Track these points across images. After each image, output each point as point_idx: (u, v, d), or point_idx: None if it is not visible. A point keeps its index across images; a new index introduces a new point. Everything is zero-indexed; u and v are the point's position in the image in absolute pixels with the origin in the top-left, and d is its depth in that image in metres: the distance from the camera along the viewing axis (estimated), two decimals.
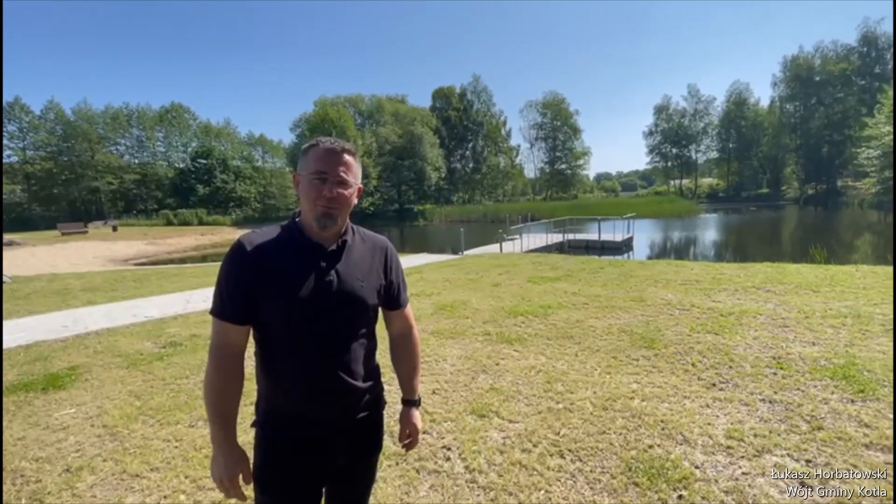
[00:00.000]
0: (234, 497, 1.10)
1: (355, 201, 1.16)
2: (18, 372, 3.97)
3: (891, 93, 33.75)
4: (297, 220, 1.16)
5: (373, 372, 1.23)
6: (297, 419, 1.12)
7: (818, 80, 52.65)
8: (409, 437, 1.36)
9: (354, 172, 1.13)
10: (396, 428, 2.75)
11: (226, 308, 1.07)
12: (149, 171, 52.63)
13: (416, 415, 1.36)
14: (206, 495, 2.12)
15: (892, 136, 31.34)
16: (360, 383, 1.16)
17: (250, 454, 1.16)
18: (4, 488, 2.25)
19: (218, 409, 1.09)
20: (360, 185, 1.18)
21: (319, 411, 1.12)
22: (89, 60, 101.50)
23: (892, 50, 45.42)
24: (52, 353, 4.47)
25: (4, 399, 3.36)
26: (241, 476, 1.10)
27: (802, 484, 2.02)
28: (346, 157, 1.11)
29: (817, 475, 2.06)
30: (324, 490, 1.21)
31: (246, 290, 1.06)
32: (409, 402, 1.36)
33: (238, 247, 1.08)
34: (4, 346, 4.78)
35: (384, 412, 1.31)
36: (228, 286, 1.07)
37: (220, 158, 54.34)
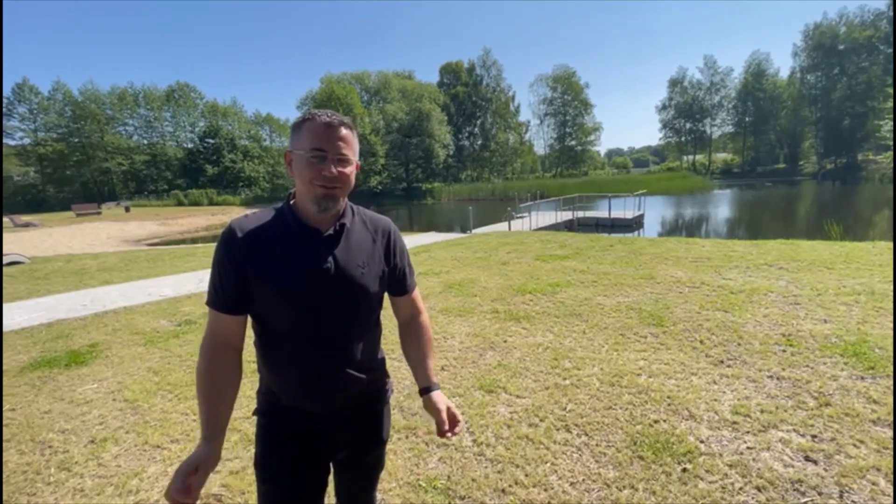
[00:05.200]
0: (175, 492, 0.91)
1: (354, 179, 1.07)
2: (42, 349, 4.11)
3: None
4: (291, 202, 1.07)
5: (376, 362, 1.18)
6: (297, 410, 1.08)
7: (842, 49, 50.39)
8: (449, 421, 1.14)
9: (353, 148, 1.04)
10: (406, 404, 2.81)
11: (218, 298, 1.02)
12: (158, 152, 52.91)
13: (441, 396, 1.17)
14: (224, 465, 2.21)
15: None
16: (361, 374, 1.10)
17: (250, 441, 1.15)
18: (34, 458, 2.37)
19: (205, 403, 1.01)
20: (358, 163, 1.08)
21: (319, 403, 1.08)
22: (90, 40, 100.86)
23: None
24: (73, 331, 4.61)
25: (30, 374, 3.50)
26: (194, 477, 0.94)
27: (807, 458, 2.04)
28: (345, 131, 1.01)
29: (822, 450, 2.08)
30: (331, 476, 1.20)
31: (238, 280, 1.00)
32: (428, 389, 1.18)
33: (229, 234, 1.01)
34: (27, 324, 4.95)
35: (390, 401, 1.27)
36: (220, 276, 1.02)
37: (227, 138, 54.38)
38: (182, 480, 0.92)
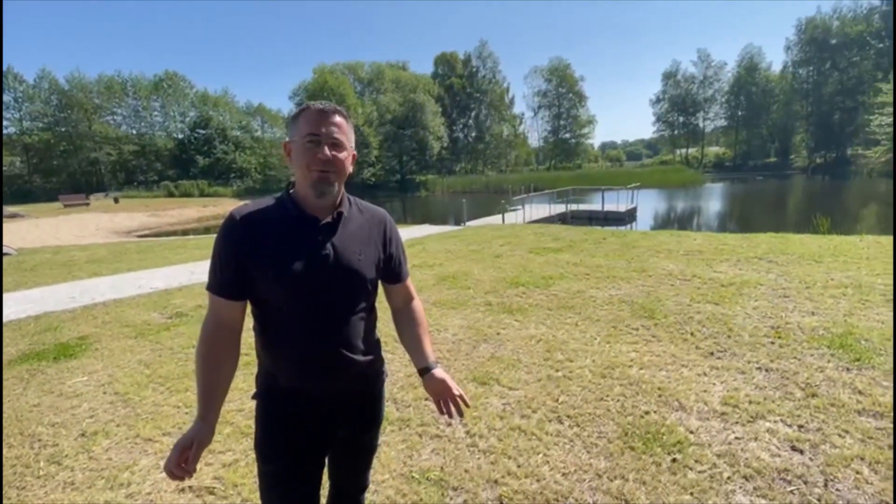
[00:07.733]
0: (172, 465, 1.00)
1: (350, 168, 1.11)
2: (30, 342, 4.06)
3: None
4: (290, 191, 1.11)
5: (373, 346, 1.21)
6: (296, 393, 1.11)
7: (834, 44, 50.62)
8: (449, 396, 1.16)
9: (347, 135, 1.08)
10: (399, 396, 2.81)
11: (217, 283, 1.06)
12: (147, 142, 52.04)
13: (443, 373, 1.18)
14: (217, 458, 2.21)
15: None
16: (359, 357, 1.14)
17: (248, 423, 1.17)
18: (23, 452, 2.35)
19: (203, 383, 1.06)
20: (354, 153, 1.13)
21: (317, 386, 1.11)
22: (76, 28, 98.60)
23: None
24: (62, 324, 4.55)
25: (18, 367, 3.46)
26: (190, 451, 1.01)
27: (793, 448, 2.07)
28: (338, 117, 1.06)
29: (808, 440, 2.12)
30: (326, 459, 1.22)
31: (238, 266, 1.04)
32: (427, 369, 1.19)
33: (230, 221, 1.05)
34: (15, 316, 4.88)
35: (385, 385, 1.31)
36: (221, 261, 1.05)
37: (218, 128, 53.48)
38: (179, 454, 1.01)
